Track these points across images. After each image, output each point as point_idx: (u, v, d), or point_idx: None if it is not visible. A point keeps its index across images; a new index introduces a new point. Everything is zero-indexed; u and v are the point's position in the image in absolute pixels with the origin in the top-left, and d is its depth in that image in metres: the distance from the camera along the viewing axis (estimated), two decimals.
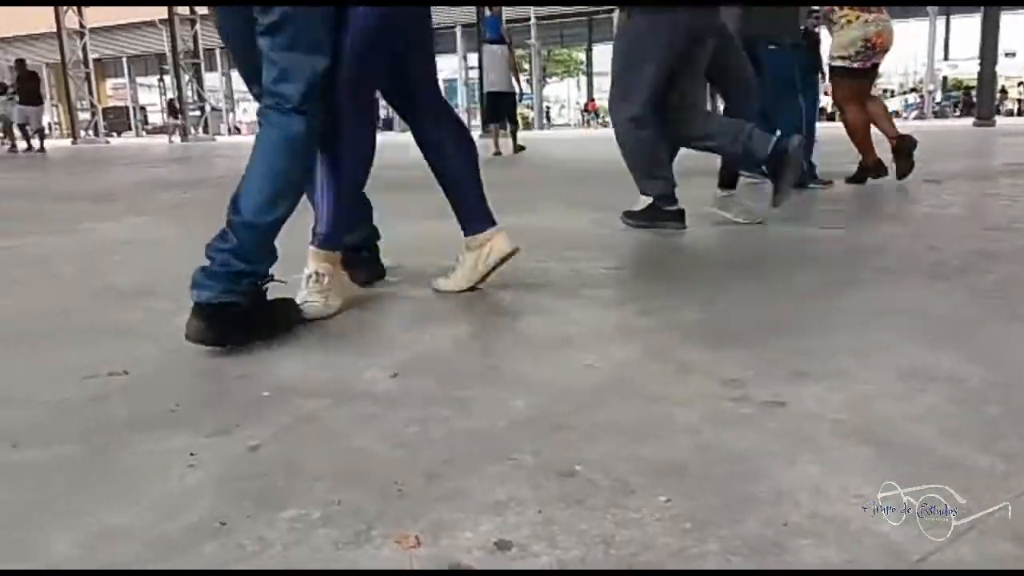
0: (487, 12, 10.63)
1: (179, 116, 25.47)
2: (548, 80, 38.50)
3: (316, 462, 1.12)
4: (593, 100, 36.62)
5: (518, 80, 10.21)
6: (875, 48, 4.78)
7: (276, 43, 1.74)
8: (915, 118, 27.02)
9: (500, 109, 10.17)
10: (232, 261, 1.67)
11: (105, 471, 1.12)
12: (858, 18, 4.72)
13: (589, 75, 37.55)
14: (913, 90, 30.66)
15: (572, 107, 40.24)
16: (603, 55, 35.09)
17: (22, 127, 16.90)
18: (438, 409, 1.30)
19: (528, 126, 34.12)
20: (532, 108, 35.30)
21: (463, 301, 2.09)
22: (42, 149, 16.75)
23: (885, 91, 33.30)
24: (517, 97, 10.44)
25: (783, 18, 4.40)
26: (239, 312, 1.66)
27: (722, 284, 2.29)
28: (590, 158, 9.33)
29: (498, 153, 9.76)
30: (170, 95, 32.39)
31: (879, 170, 4.87)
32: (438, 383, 1.45)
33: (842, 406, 1.26)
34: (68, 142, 25.72)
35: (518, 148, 10.23)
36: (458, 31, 29.37)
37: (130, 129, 38.08)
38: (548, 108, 37.23)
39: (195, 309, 1.64)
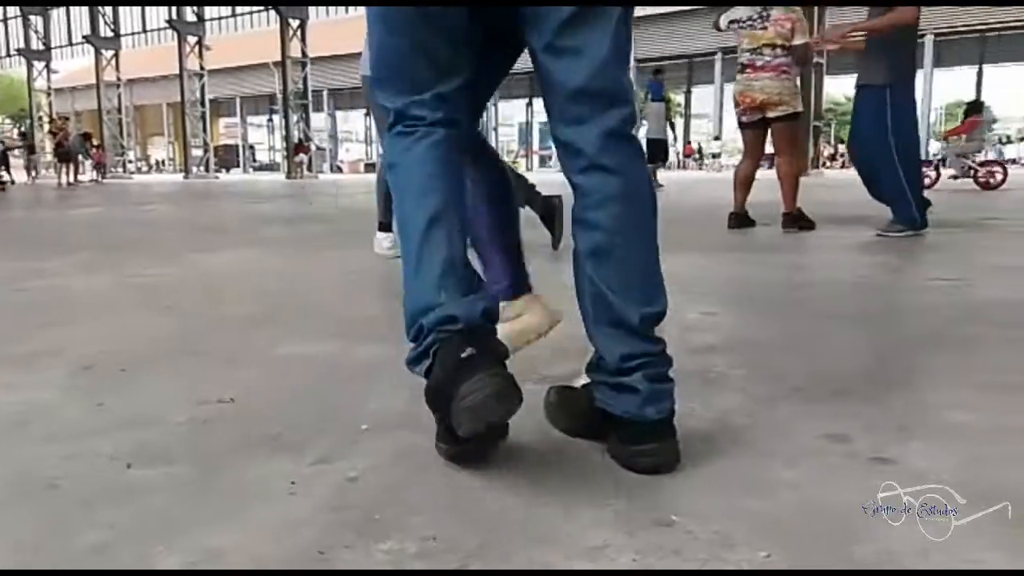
0: (653, 77, 13.91)
1: (299, 154, 26.47)
2: (643, 122, 38.49)
3: (412, 496, 1.13)
4: (690, 143, 36.34)
5: (673, 129, 13.99)
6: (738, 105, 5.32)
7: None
8: None
9: (656, 152, 13.20)
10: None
11: (212, 494, 1.16)
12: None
13: (687, 118, 37.34)
14: None
15: (671, 149, 40.02)
16: (702, 98, 34.97)
17: None
18: (533, 449, 1.30)
19: None
20: None
21: (555, 344, 2.08)
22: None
23: (1002, 139, 32.00)
24: (669, 143, 13.94)
25: None
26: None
27: (820, 332, 2.22)
28: (683, 201, 9.24)
29: (660, 186, 12.29)
30: (278, 134, 33.96)
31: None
32: (534, 423, 1.44)
33: (953, 466, 1.20)
34: (180, 176, 27.21)
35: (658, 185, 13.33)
36: None
37: (238, 166, 39.98)
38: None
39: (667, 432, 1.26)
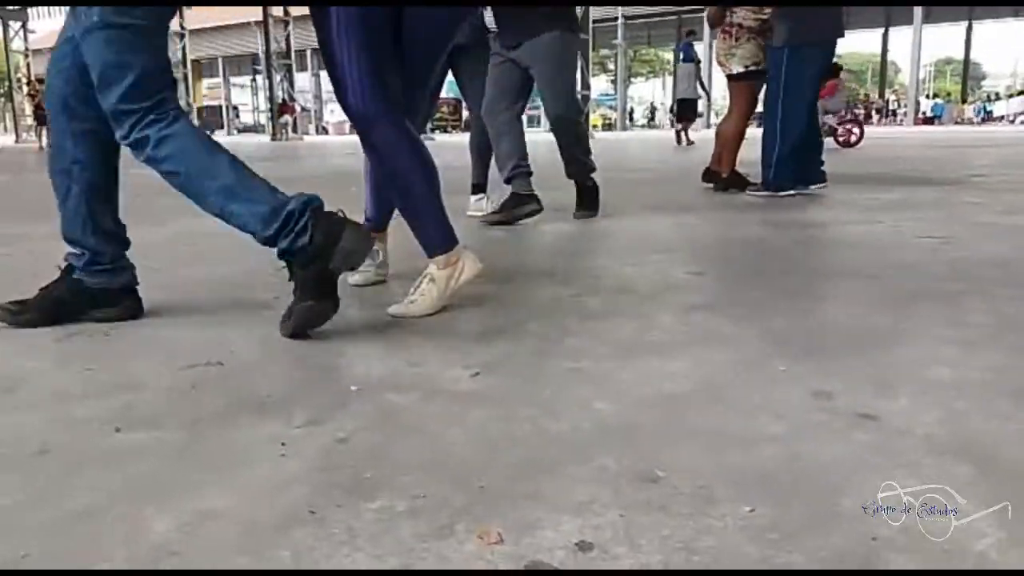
0: (684, 38, 14.87)
1: (284, 114, 26.04)
2: (633, 80, 38.14)
3: (402, 456, 1.14)
4: None
5: (703, 87, 14.73)
6: None
7: None
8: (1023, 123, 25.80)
9: (686, 110, 14.57)
10: None
11: (203, 456, 1.17)
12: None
13: (676, 76, 37.04)
14: (1021, 93, 29.20)
15: (661, 108, 39.75)
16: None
17: None
18: (521, 408, 1.31)
19: (610, 127, 33.97)
20: (615, 109, 35.01)
21: (545, 303, 2.09)
22: None
23: (991, 95, 31.90)
24: (700, 102, 15.27)
25: None
26: None
27: (806, 290, 2.24)
28: (665, 163, 9.22)
29: (691, 142, 13.96)
30: (262, 95, 33.40)
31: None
32: (522, 383, 1.46)
33: (935, 421, 1.22)
34: None
35: (689, 142, 14.45)
36: None
37: (223, 128, 39.43)
38: (632, 109, 36.82)
39: None
